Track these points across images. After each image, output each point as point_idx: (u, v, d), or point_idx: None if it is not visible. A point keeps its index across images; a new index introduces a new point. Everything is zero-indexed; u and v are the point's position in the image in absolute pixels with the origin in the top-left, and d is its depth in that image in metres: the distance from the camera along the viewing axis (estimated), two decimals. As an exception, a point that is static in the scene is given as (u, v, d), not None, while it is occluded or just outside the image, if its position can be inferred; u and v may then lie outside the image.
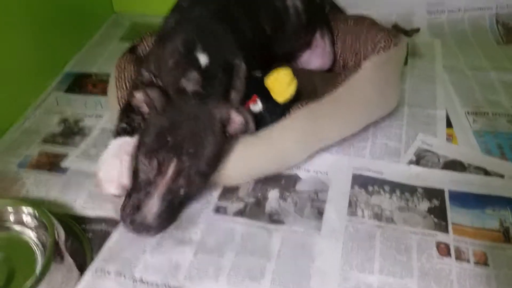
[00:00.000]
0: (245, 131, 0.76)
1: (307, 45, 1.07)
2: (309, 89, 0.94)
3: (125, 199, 0.73)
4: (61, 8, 1.20)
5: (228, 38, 0.83)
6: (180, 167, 0.70)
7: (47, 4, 1.14)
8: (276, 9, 0.97)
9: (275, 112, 0.82)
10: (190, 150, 0.70)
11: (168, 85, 0.78)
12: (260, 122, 0.81)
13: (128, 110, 0.81)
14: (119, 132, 0.80)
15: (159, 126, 0.73)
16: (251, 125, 0.76)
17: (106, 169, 0.76)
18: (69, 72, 1.20)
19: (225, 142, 0.76)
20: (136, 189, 0.72)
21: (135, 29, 1.41)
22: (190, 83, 0.76)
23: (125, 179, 0.74)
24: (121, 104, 0.87)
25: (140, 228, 0.70)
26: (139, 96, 0.75)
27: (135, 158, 0.74)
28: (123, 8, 1.49)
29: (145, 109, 0.76)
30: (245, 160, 0.80)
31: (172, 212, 0.74)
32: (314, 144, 0.86)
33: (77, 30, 1.31)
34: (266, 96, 0.82)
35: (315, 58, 1.08)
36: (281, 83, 0.81)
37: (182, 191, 0.72)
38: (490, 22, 1.34)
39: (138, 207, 0.70)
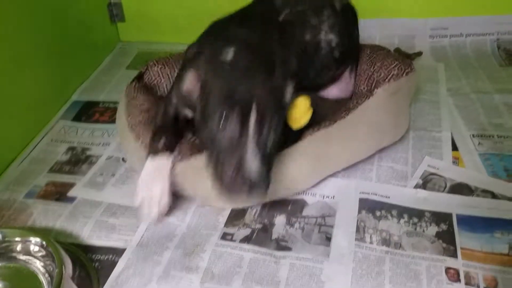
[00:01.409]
0: None
1: (334, 80, 1.05)
2: (321, 114, 0.94)
3: (213, 172, 0.70)
4: (68, 37, 1.22)
5: None
6: (260, 114, 0.67)
7: (54, 32, 1.16)
8: (304, 44, 0.96)
9: (288, 137, 0.82)
10: (262, 99, 0.68)
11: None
12: None
13: (162, 129, 0.81)
14: (157, 150, 0.79)
15: (222, 83, 0.70)
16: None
17: (145, 194, 0.76)
18: (77, 100, 1.22)
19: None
20: (220, 158, 0.68)
21: (141, 57, 1.43)
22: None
23: (165, 204, 0.76)
24: (132, 129, 0.88)
25: (249, 188, 0.66)
26: (190, 75, 0.73)
27: (202, 129, 0.72)
28: (129, 37, 1.52)
29: (196, 92, 0.73)
30: None
31: (269, 164, 0.70)
32: (323, 170, 0.86)
33: (84, 59, 1.33)
34: None
35: (336, 90, 1.06)
36: (298, 111, 0.80)
37: (270, 143, 0.69)
38: (492, 47, 1.36)
39: (237, 169, 0.66)
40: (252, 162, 0.66)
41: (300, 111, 0.81)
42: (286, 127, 0.81)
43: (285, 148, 0.82)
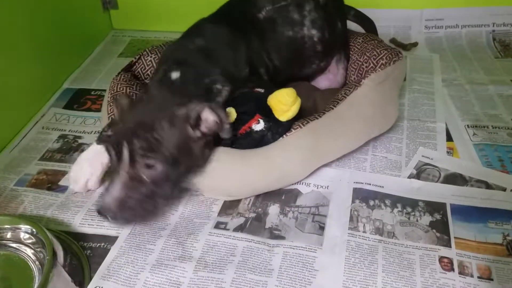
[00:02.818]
0: (220, 130, 0.76)
1: (321, 71, 1.07)
2: (309, 105, 0.94)
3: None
4: (60, 25, 1.21)
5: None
6: (132, 150, 0.71)
7: (46, 21, 1.15)
8: (286, 39, 0.97)
9: (277, 131, 0.82)
10: (140, 133, 0.71)
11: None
12: (262, 140, 0.81)
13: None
14: (102, 139, 0.82)
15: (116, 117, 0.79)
16: (225, 125, 0.75)
17: (76, 171, 0.83)
18: (68, 88, 1.20)
19: (190, 138, 0.75)
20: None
21: (134, 45, 1.42)
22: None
23: (92, 185, 0.83)
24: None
25: (103, 211, 0.71)
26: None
27: None
28: (122, 25, 1.51)
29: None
30: (247, 177, 0.80)
31: (143, 203, 0.73)
32: (315, 162, 0.85)
33: (76, 47, 1.31)
34: (268, 114, 0.82)
35: (325, 81, 1.07)
36: (284, 103, 0.81)
37: (146, 179, 0.72)
38: (487, 38, 1.36)
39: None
40: (113, 191, 0.71)
41: (285, 104, 0.80)
42: (274, 120, 0.81)
43: (275, 141, 0.82)
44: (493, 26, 1.37)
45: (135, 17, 1.46)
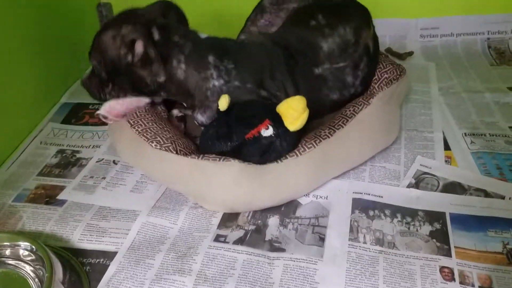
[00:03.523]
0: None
1: None
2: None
3: None
4: (57, 39, 1.21)
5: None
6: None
7: (43, 34, 1.15)
8: (328, 102, 0.93)
9: (285, 139, 0.81)
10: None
11: None
12: (270, 148, 0.81)
13: None
14: None
15: None
16: (151, 52, 0.82)
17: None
18: (66, 102, 1.20)
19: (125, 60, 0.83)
20: None
21: (131, 59, 1.42)
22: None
23: (117, 107, 0.90)
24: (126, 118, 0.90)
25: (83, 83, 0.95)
26: None
27: None
28: (119, 38, 1.51)
29: None
30: (253, 193, 0.80)
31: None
32: (321, 178, 0.86)
33: (74, 61, 1.31)
34: (278, 121, 0.81)
35: None
36: (295, 109, 0.80)
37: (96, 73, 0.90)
38: (482, 46, 1.37)
39: None
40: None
41: (295, 112, 0.80)
42: (283, 128, 0.81)
43: (282, 149, 0.81)
44: (488, 34, 1.38)
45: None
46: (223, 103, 0.81)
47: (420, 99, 1.13)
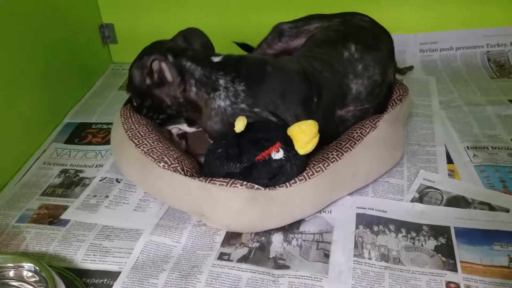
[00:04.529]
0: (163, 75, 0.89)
1: None
2: (333, 135, 0.94)
3: None
4: (60, 60, 1.22)
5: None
6: None
7: (46, 56, 1.16)
8: (335, 117, 0.92)
9: (295, 163, 0.81)
10: None
11: None
12: (280, 170, 0.80)
13: None
14: None
15: None
16: (167, 74, 0.89)
17: None
18: (69, 122, 1.21)
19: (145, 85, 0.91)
20: None
21: (133, 78, 1.43)
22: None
23: None
24: (131, 138, 0.91)
25: None
26: None
27: None
28: (121, 58, 1.53)
29: None
30: (259, 219, 0.80)
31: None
32: (328, 200, 0.86)
33: (77, 81, 1.33)
34: (288, 145, 0.81)
35: None
36: (307, 133, 0.79)
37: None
38: (482, 59, 1.38)
39: None
40: None
41: (307, 136, 0.80)
42: (293, 151, 0.81)
43: (292, 172, 0.81)
44: (487, 47, 1.39)
45: (134, 50, 1.48)
46: (240, 125, 0.81)
47: (422, 113, 1.13)
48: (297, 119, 0.86)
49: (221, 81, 0.88)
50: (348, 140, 0.88)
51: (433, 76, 1.32)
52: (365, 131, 0.89)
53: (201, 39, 0.98)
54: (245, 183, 0.78)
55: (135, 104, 0.98)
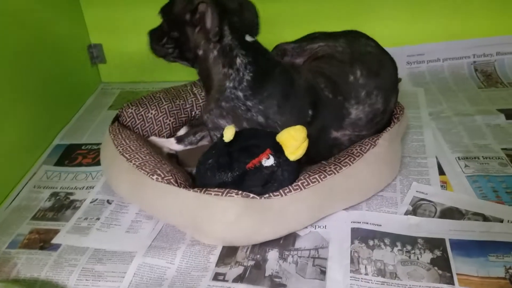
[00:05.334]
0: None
1: None
2: (327, 157, 0.94)
3: None
4: (49, 81, 1.22)
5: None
6: None
7: (35, 77, 1.16)
8: (329, 138, 0.92)
9: (286, 168, 0.81)
10: None
11: None
12: (271, 177, 0.80)
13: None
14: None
15: None
16: (208, 20, 0.87)
17: None
18: (59, 144, 1.20)
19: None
20: None
21: (123, 97, 1.43)
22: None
23: None
24: (122, 152, 0.90)
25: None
26: None
27: None
28: (111, 77, 1.52)
29: None
30: (254, 228, 0.80)
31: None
32: (322, 214, 0.86)
33: (66, 102, 1.32)
34: (279, 151, 0.81)
35: None
36: (296, 138, 0.80)
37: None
38: (469, 70, 1.39)
39: None
40: None
41: (296, 141, 0.80)
42: (284, 157, 0.81)
43: (283, 178, 0.81)
44: (474, 57, 1.41)
45: (123, 69, 1.49)
46: (228, 134, 0.81)
47: (412, 124, 1.14)
48: (287, 126, 0.86)
49: (238, 60, 0.89)
50: (347, 155, 0.88)
51: (421, 88, 1.33)
52: (365, 148, 0.89)
53: (253, 16, 0.97)
54: (240, 192, 0.78)
55: (159, 28, 0.96)
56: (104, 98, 1.43)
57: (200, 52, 0.92)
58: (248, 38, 0.92)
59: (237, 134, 0.83)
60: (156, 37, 0.97)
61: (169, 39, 0.95)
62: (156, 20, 0.96)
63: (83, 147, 1.17)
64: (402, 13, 1.39)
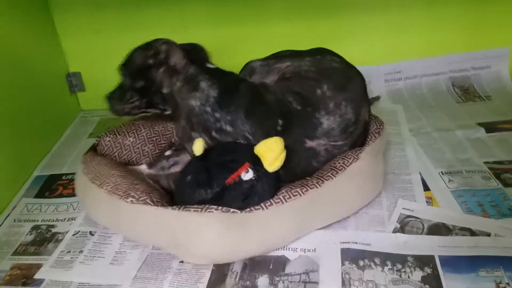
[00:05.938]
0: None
1: None
2: (307, 169, 0.93)
3: None
4: (27, 112, 1.19)
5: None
6: None
7: (12, 107, 1.13)
8: (304, 148, 0.91)
9: (266, 181, 0.81)
10: None
11: None
12: (251, 190, 0.80)
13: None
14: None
15: None
16: (174, 56, 0.93)
17: None
18: (39, 175, 1.17)
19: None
20: None
21: (103, 124, 1.41)
22: None
23: None
24: (94, 180, 0.89)
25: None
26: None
27: None
28: (90, 105, 1.50)
29: None
30: (238, 243, 0.79)
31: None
32: (306, 228, 0.85)
33: (45, 132, 1.29)
34: (257, 164, 0.81)
35: None
36: (274, 150, 0.81)
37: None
38: (447, 85, 1.42)
39: None
40: None
41: (274, 153, 0.81)
42: (262, 170, 0.81)
43: (263, 191, 0.81)
44: (450, 72, 1.44)
45: (102, 97, 1.47)
46: (198, 147, 0.82)
47: (393, 141, 1.15)
48: (255, 133, 0.89)
49: (203, 84, 0.93)
50: (330, 169, 0.88)
51: (400, 105, 1.35)
52: (348, 161, 0.89)
53: (205, 55, 1.01)
54: (219, 207, 0.77)
55: (120, 86, 0.99)
56: (84, 127, 1.41)
57: (166, 90, 0.95)
58: (210, 65, 0.96)
59: (213, 148, 0.84)
60: (117, 97, 0.99)
61: (134, 92, 0.97)
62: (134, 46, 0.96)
63: (63, 177, 1.15)
64: (378, 33, 1.41)
